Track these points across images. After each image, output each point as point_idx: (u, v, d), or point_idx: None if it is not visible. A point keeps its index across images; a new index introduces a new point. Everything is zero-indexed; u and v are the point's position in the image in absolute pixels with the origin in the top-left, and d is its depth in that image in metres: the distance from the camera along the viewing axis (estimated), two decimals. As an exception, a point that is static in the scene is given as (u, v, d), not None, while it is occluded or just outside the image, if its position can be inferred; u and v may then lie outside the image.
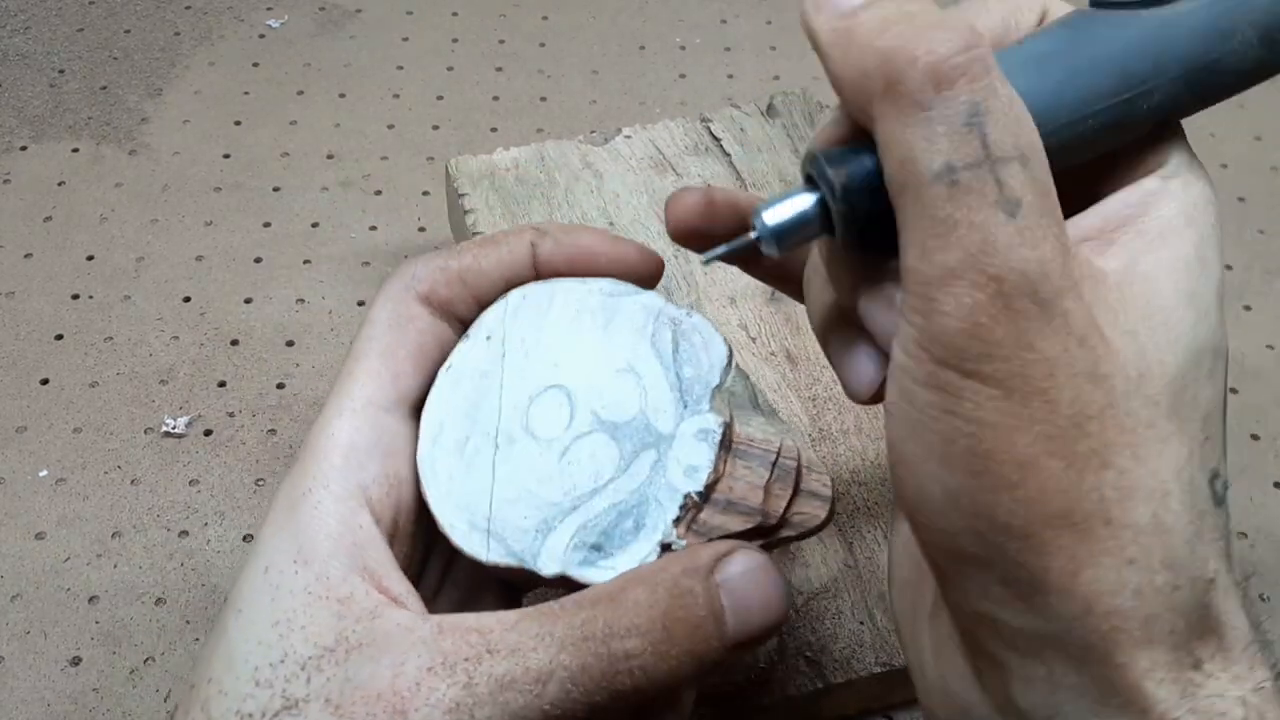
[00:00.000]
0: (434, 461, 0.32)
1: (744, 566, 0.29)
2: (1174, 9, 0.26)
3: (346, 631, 0.27)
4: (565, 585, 0.31)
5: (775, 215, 0.28)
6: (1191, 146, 0.28)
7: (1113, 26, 0.26)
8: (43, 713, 0.45)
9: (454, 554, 0.32)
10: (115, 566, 0.50)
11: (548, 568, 0.31)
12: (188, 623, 0.48)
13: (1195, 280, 0.26)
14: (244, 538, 0.51)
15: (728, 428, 0.32)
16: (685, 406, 0.32)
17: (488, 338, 0.33)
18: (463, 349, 0.33)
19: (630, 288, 0.34)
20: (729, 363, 0.33)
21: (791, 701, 0.41)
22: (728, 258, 0.30)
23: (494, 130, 0.73)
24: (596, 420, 0.32)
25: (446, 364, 0.33)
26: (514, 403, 0.32)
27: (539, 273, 0.34)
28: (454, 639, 0.27)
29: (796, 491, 0.32)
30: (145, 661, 0.47)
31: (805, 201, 0.27)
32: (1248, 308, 0.61)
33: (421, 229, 0.66)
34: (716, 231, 0.34)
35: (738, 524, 0.31)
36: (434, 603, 0.33)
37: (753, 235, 0.28)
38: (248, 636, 0.28)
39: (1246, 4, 0.26)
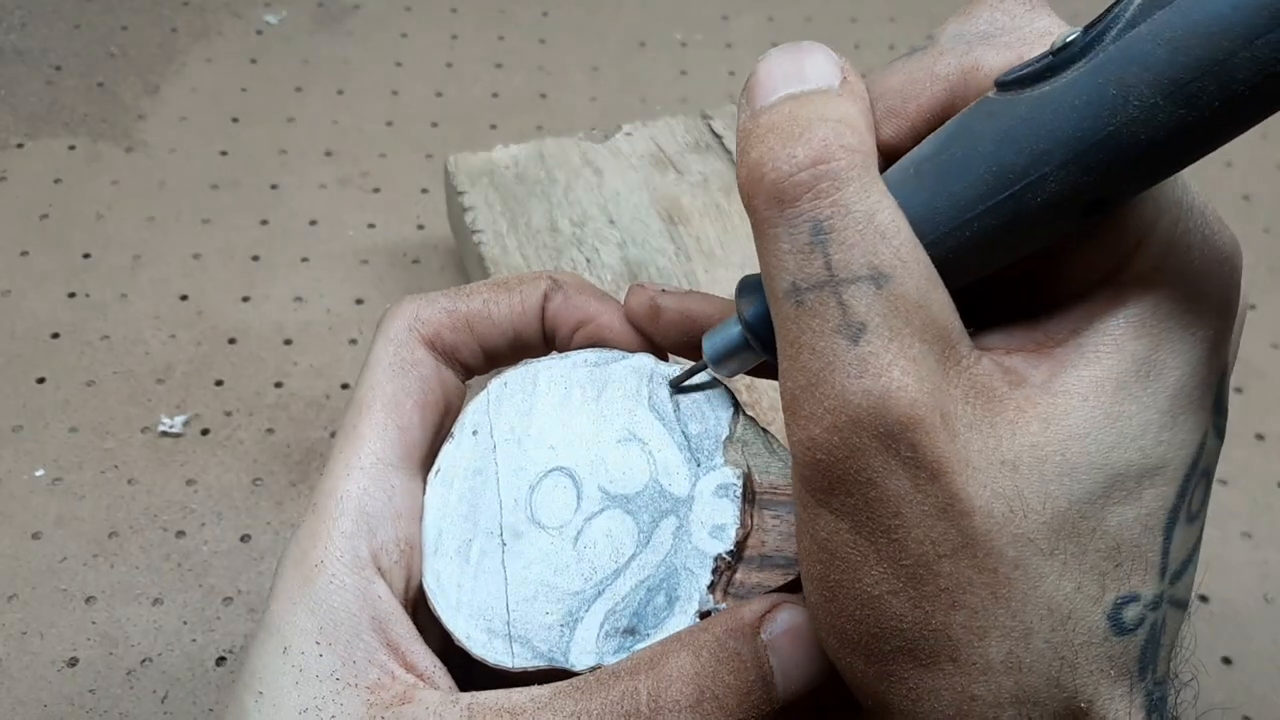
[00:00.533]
0: (439, 573, 0.30)
1: (790, 622, 0.27)
2: (1058, 82, 0.22)
3: (376, 717, 0.26)
4: None
5: (712, 345, 0.28)
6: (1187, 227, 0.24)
7: (993, 114, 0.23)
8: (40, 713, 0.45)
9: None
10: (112, 567, 0.49)
11: (581, 662, 0.29)
12: (185, 623, 0.48)
13: (1124, 400, 0.23)
14: (241, 538, 0.51)
15: (747, 479, 0.30)
16: (698, 464, 0.30)
17: (474, 433, 0.31)
18: (449, 449, 0.31)
19: (615, 353, 0.32)
20: (735, 410, 0.31)
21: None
22: (692, 376, 0.31)
23: (493, 127, 0.72)
24: (606, 496, 0.30)
25: (435, 468, 0.31)
26: (514, 495, 0.30)
27: (544, 327, 0.33)
28: None
29: None
30: (142, 662, 0.46)
31: (733, 330, 0.28)
32: (1253, 306, 0.61)
33: (420, 227, 0.66)
34: (663, 334, 0.32)
35: (777, 579, 0.29)
36: (462, 670, 0.32)
37: (704, 361, 0.29)
38: None
39: (1135, 60, 0.21)
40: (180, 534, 0.51)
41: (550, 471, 0.31)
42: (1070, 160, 0.22)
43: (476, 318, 0.32)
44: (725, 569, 0.29)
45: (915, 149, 0.24)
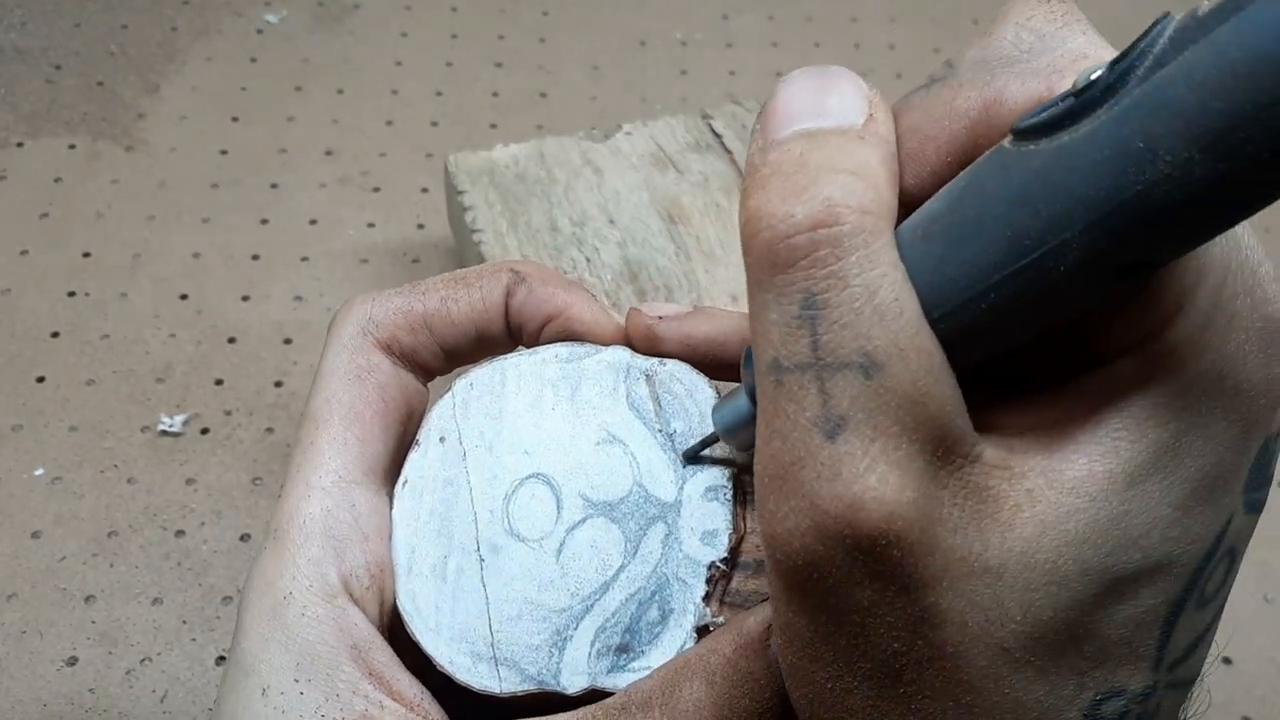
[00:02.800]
0: (414, 594, 0.28)
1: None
2: (1077, 131, 0.19)
3: None
4: (598, 699, 0.27)
5: (722, 418, 0.27)
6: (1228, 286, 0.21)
7: (1006, 170, 0.20)
8: (39, 712, 0.45)
9: None
10: (112, 566, 0.49)
11: (574, 684, 0.27)
12: (184, 623, 0.48)
13: (1134, 497, 0.20)
14: (241, 537, 0.51)
15: (737, 478, 0.28)
16: (684, 466, 0.29)
17: (441, 440, 0.29)
18: (416, 459, 0.29)
19: (588, 347, 0.30)
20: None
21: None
22: (701, 448, 0.29)
23: (493, 126, 0.72)
24: (588, 504, 0.28)
25: (402, 479, 0.29)
26: (489, 506, 0.28)
27: (509, 322, 0.30)
28: None
29: None
30: (142, 662, 0.46)
31: (742, 402, 0.26)
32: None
33: (420, 226, 0.66)
34: (663, 350, 0.30)
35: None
36: (445, 693, 0.30)
37: (714, 432, 0.27)
38: None
39: (1164, 106, 0.17)
40: (180, 533, 0.51)
41: (526, 479, 0.29)
42: (1094, 224, 0.18)
43: (434, 317, 0.30)
44: (720, 577, 0.28)
45: (928, 204, 0.21)
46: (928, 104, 0.22)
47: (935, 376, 0.20)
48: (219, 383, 0.57)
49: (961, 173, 0.21)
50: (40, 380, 0.56)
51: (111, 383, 0.56)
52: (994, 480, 0.21)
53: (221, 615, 0.48)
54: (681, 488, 0.28)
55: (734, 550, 0.28)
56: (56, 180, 0.66)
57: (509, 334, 0.31)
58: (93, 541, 0.50)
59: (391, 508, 0.29)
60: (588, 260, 0.54)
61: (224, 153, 0.69)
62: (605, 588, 0.28)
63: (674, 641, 0.27)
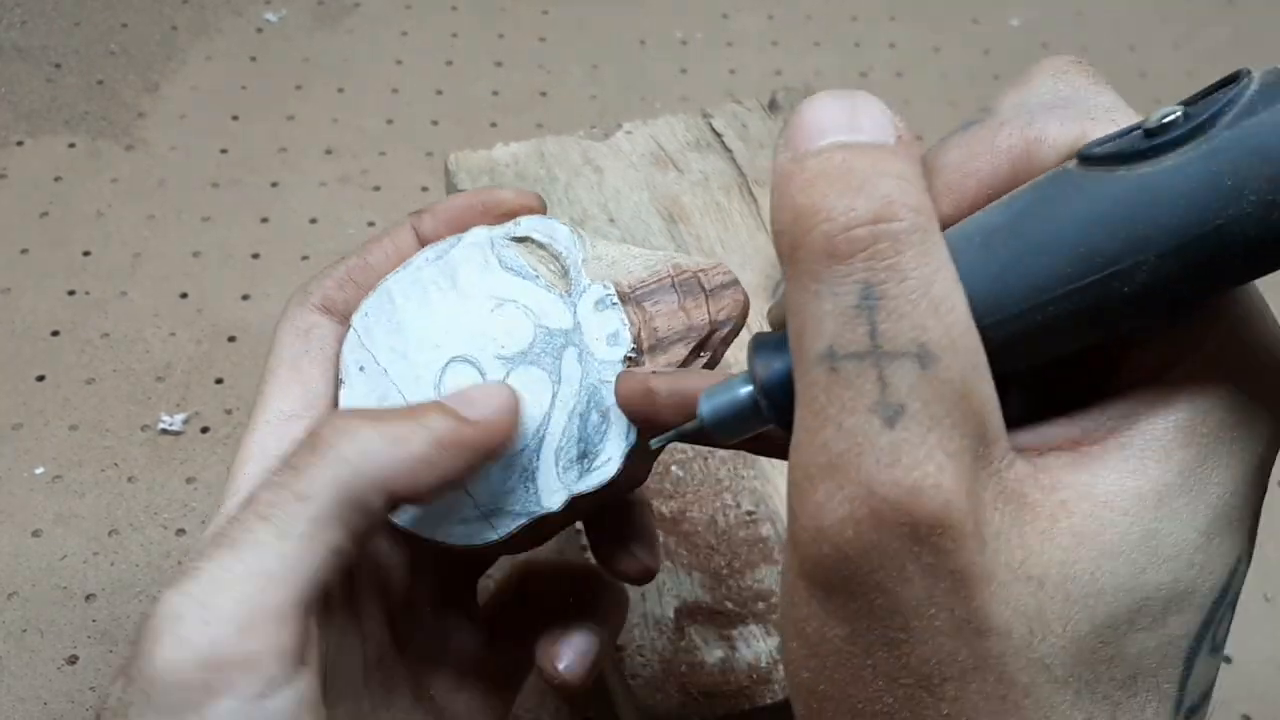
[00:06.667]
0: None
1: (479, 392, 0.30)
2: (1160, 164, 0.20)
3: None
4: (580, 508, 0.32)
5: (713, 407, 0.26)
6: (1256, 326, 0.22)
7: (1080, 191, 0.21)
8: (39, 711, 0.45)
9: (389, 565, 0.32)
10: (112, 564, 0.49)
11: (555, 501, 0.31)
12: (185, 622, 0.48)
13: (1163, 516, 0.21)
14: (241, 536, 0.51)
15: (616, 285, 0.32)
16: (569, 295, 0.32)
17: (361, 369, 0.32)
18: (345, 394, 0.32)
19: (450, 240, 0.33)
20: (576, 234, 0.33)
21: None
22: (681, 439, 0.29)
23: (494, 125, 0.72)
24: (505, 361, 0.32)
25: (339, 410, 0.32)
26: (424, 399, 0.32)
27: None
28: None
29: (707, 294, 0.33)
30: (142, 661, 0.46)
31: (741, 392, 0.25)
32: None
33: (420, 225, 0.66)
34: (663, 417, 0.30)
35: (680, 351, 0.32)
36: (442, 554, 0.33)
37: (697, 423, 0.27)
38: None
39: (1255, 151, 0.19)
40: (180, 532, 0.51)
41: (446, 365, 0.32)
42: (1169, 251, 0.20)
43: (356, 270, 0.33)
44: (634, 365, 0.32)
45: (979, 216, 0.22)
46: (968, 141, 0.24)
47: (980, 374, 0.20)
48: (219, 381, 0.57)
49: (1015, 192, 0.22)
50: (40, 379, 0.56)
51: (112, 381, 0.56)
52: (1028, 488, 0.21)
53: (222, 614, 0.48)
54: (575, 312, 0.32)
55: (637, 339, 0.32)
56: (56, 179, 0.66)
57: None
58: (93, 540, 0.50)
59: None
60: (588, 259, 0.54)
61: (224, 152, 0.69)
62: (547, 418, 0.31)
63: (619, 429, 0.31)
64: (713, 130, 0.62)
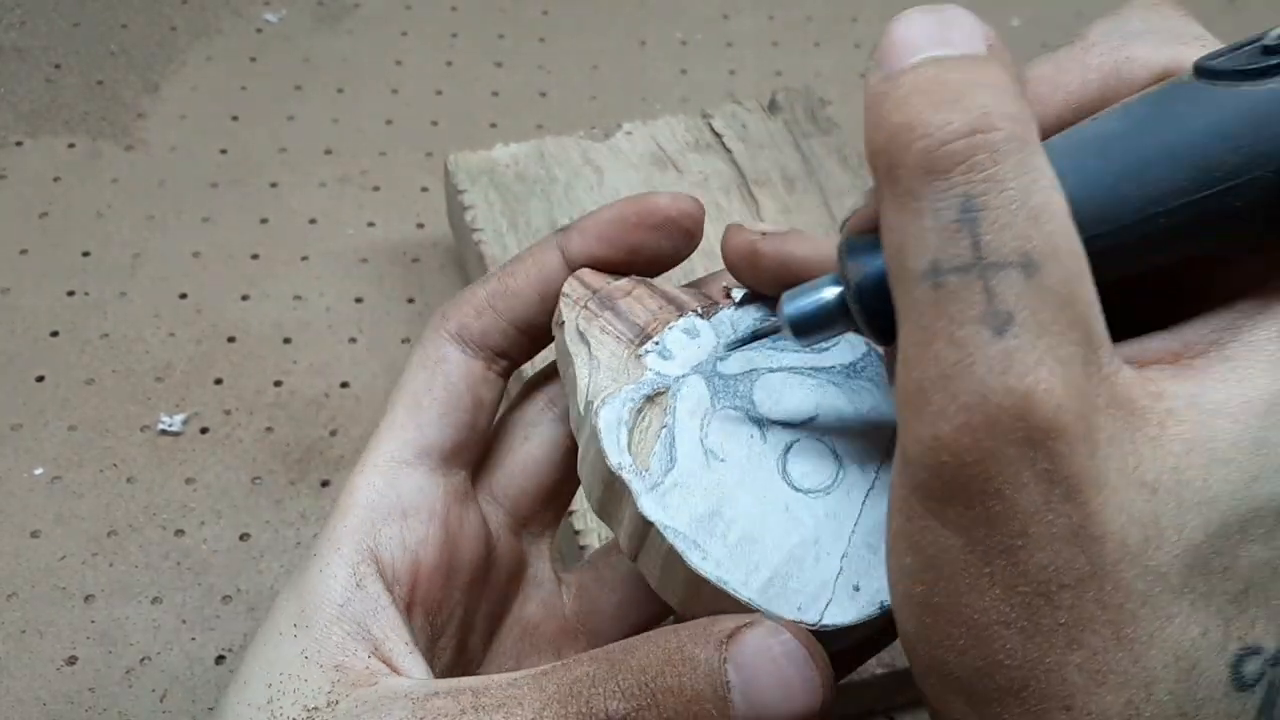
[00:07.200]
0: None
1: (758, 646, 0.25)
2: (1277, 82, 0.21)
3: (338, 695, 0.26)
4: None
5: (796, 306, 0.25)
6: None
7: (1201, 104, 0.21)
8: (38, 712, 0.45)
9: (502, 612, 0.32)
10: (111, 565, 0.49)
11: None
12: (184, 622, 0.48)
13: (1271, 426, 0.21)
14: (240, 537, 0.51)
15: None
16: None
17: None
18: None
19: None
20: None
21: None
22: (752, 339, 0.28)
23: (493, 126, 0.72)
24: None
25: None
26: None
27: (572, 267, 0.32)
28: (445, 699, 0.26)
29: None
30: (141, 661, 0.46)
31: (828, 294, 0.25)
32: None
33: (420, 225, 0.66)
34: (760, 280, 0.30)
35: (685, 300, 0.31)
36: (482, 668, 0.32)
37: (777, 321, 0.26)
38: (241, 698, 0.27)
39: None
40: (179, 532, 0.51)
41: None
42: None
43: (495, 295, 0.31)
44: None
45: (1092, 124, 0.22)
46: (1059, 58, 0.25)
47: (1084, 281, 0.20)
48: (219, 382, 0.57)
49: (1129, 100, 0.23)
50: (40, 380, 0.56)
51: (111, 382, 0.56)
52: (1138, 395, 0.21)
53: (221, 615, 0.48)
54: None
55: (645, 330, 0.30)
56: (56, 179, 0.66)
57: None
58: (92, 541, 0.50)
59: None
60: (588, 260, 0.54)
61: (224, 152, 0.69)
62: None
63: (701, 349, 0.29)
64: (712, 131, 0.62)
